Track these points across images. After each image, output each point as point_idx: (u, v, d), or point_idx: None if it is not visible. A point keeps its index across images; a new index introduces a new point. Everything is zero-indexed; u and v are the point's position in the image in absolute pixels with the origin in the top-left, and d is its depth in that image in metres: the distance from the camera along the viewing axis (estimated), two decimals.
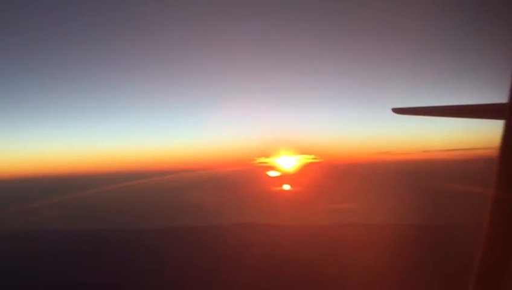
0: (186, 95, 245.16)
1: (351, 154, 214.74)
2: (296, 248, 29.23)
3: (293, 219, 43.34)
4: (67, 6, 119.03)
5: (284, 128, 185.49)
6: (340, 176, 78.49)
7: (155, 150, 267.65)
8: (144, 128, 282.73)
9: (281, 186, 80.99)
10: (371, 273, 21.57)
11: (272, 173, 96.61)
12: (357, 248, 26.49)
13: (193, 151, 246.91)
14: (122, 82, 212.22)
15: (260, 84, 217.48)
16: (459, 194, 38.17)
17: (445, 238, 27.20)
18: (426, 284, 20.69)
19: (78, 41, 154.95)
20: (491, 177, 2.43)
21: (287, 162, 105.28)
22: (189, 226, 41.60)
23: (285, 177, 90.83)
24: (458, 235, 20.58)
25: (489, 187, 2.43)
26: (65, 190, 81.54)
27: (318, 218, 43.17)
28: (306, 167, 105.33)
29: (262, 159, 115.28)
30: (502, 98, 2.55)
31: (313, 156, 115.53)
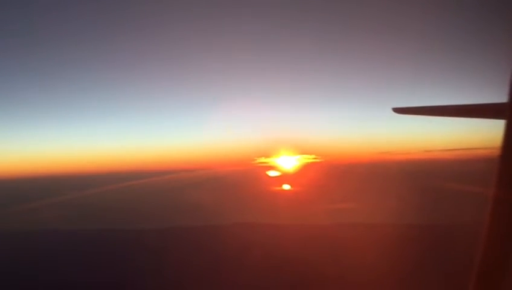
0: (186, 95, 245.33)
1: (351, 154, 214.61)
2: (296, 247, 29.22)
3: (293, 218, 43.34)
4: (67, 6, 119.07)
5: (284, 128, 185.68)
6: (340, 176, 78.46)
7: (155, 150, 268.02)
8: (144, 128, 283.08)
9: (281, 186, 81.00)
10: (371, 273, 21.56)
11: (272, 173, 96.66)
12: (358, 247, 26.49)
13: (193, 151, 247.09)
14: (122, 82, 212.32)
15: (260, 84, 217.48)
16: (460, 194, 38.16)
17: (446, 238, 27.21)
18: (426, 284, 20.68)
19: (78, 41, 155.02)
20: (492, 177, 2.42)
21: (287, 162, 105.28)
22: (189, 226, 41.60)
23: (285, 177, 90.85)
24: (458, 235, 20.59)
25: (490, 187, 2.43)
26: (65, 190, 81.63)
27: (318, 218, 43.17)
28: (306, 167, 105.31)
29: (263, 159, 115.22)
30: (502, 98, 2.54)
31: (313, 156, 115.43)
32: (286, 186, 79.49)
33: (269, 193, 73.16)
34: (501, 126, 2.43)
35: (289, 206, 55.59)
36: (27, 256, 32.40)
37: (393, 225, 32.64)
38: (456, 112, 4.38)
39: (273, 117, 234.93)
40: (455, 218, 32.32)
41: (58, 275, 27.12)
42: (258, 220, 42.89)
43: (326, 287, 23.05)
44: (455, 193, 41.23)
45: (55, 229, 42.69)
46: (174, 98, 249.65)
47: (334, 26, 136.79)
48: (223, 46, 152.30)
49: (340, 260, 25.17)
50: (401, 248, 24.33)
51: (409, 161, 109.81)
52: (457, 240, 20.51)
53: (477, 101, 3.74)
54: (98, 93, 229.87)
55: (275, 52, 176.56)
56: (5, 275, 28.05)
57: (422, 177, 65.30)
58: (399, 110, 5.30)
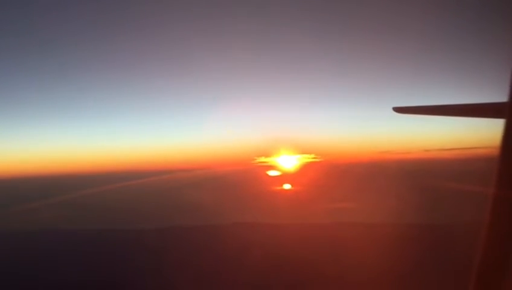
0: (185, 95, 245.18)
1: (351, 154, 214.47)
2: (296, 247, 29.24)
3: (293, 218, 43.36)
4: (67, 6, 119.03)
5: (284, 128, 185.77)
6: (340, 176, 78.49)
7: (154, 150, 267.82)
8: (143, 128, 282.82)
9: (281, 185, 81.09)
10: (371, 273, 21.58)
11: (272, 173, 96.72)
12: (357, 247, 26.49)
13: (193, 151, 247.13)
14: (121, 82, 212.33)
15: (260, 83, 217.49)
16: (460, 193, 38.16)
17: (445, 238, 27.23)
18: (426, 283, 20.70)
19: (77, 41, 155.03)
20: (492, 176, 2.42)
21: (287, 162, 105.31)
22: (189, 226, 41.59)
23: (285, 177, 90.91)
24: (458, 235, 20.62)
25: (490, 186, 2.42)
26: (64, 190, 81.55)
27: (318, 217, 43.22)
28: (306, 166, 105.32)
29: (263, 159, 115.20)
30: (502, 97, 2.54)
31: (313, 156, 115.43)
32: (286, 186, 79.59)
33: (269, 192, 73.24)
34: (501, 125, 2.43)
35: (289, 205, 55.63)
36: (27, 256, 32.40)
37: (393, 225, 32.66)
38: (456, 112, 4.38)
39: (273, 116, 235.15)
40: (455, 217, 32.35)
41: (57, 274, 27.13)
42: (258, 219, 42.93)
43: (326, 286, 23.06)
44: (455, 192, 41.23)
45: (54, 229, 42.71)
46: (173, 97, 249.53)
47: (334, 26, 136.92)
48: (222, 45, 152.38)
49: (339, 259, 25.19)
50: (401, 247, 24.34)
51: (408, 160, 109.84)
52: (456, 240, 20.55)
53: (477, 100, 3.73)
54: (97, 93, 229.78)
55: (274, 52, 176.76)
56: (5, 275, 28.06)
57: (421, 176, 65.34)
58: (399, 110, 5.29)
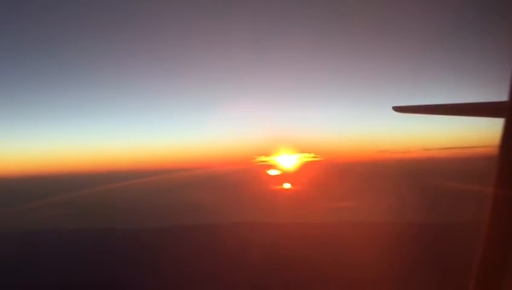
0: (185, 94, 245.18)
1: (351, 153, 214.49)
2: (297, 246, 29.23)
3: (294, 217, 43.36)
4: (67, 6, 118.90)
5: (284, 127, 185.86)
6: (340, 175, 78.50)
7: (154, 149, 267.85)
8: (143, 127, 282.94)
9: (281, 185, 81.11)
10: (371, 272, 21.56)
11: (272, 172, 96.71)
12: (358, 246, 26.48)
13: (193, 150, 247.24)
14: (120, 81, 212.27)
15: (260, 82, 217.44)
16: (459, 192, 38.19)
17: (445, 237, 27.24)
18: (426, 283, 20.69)
19: (77, 41, 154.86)
20: (491, 175, 2.41)
21: (287, 161, 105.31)
22: (189, 225, 41.57)
23: (285, 176, 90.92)
24: (458, 234, 20.60)
25: (489, 185, 2.42)
26: (64, 189, 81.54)
27: (318, 216, 43.22)
28: (306, 166, 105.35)
29: (262, 158, 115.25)
30: (501, 96, 2.53)
31: (313, 155, 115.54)
32: (286, 185, 79.63)
33: (269, 191, 73.23)
34: (500, 124, 2.42)
35: (289, 205, 55.64)
36: (27, 255, 32.41)
37: (393, 223, 32.67)
38: (456, 111, 4.38)
39: (273, 116, 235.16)
40: (454, 216, 32.36)
41: (58, 274, 27.12)
42: (258, 219, 42.91)
43: (326, 286, 23.06)
44: (454, 191, 41.27)
45: (54, 229, 42.70)
46: (173, 97, 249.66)
47: (334, 25, 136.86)
48: (223, 44, 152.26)
49: (340, 258, 25.19)
50: (401, 246, 24.33)
51: (408, 160, 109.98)
52: (456, 239, 20.54)
53: (477, 100, 3.73)
54: (98, 93, 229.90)
55: (274, 51, 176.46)
56: (5, 274, 28.05)
57: (421, 175, 65.42)
58: (399, 109, 5.28)
